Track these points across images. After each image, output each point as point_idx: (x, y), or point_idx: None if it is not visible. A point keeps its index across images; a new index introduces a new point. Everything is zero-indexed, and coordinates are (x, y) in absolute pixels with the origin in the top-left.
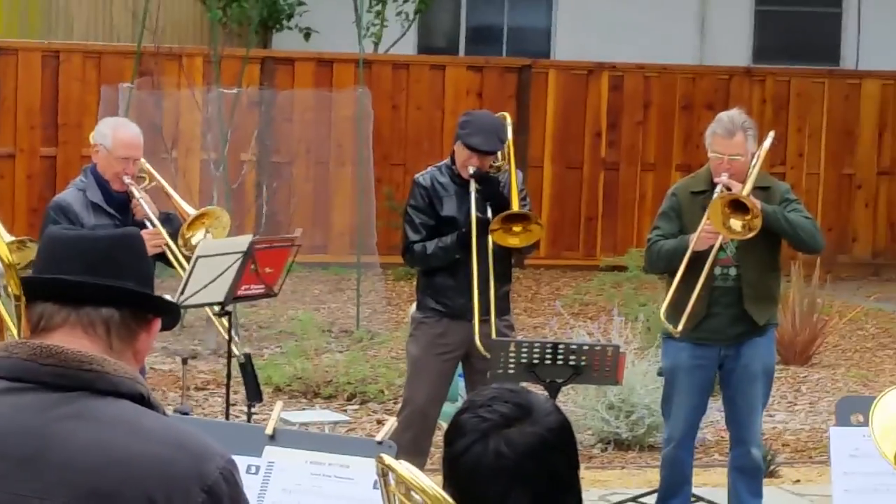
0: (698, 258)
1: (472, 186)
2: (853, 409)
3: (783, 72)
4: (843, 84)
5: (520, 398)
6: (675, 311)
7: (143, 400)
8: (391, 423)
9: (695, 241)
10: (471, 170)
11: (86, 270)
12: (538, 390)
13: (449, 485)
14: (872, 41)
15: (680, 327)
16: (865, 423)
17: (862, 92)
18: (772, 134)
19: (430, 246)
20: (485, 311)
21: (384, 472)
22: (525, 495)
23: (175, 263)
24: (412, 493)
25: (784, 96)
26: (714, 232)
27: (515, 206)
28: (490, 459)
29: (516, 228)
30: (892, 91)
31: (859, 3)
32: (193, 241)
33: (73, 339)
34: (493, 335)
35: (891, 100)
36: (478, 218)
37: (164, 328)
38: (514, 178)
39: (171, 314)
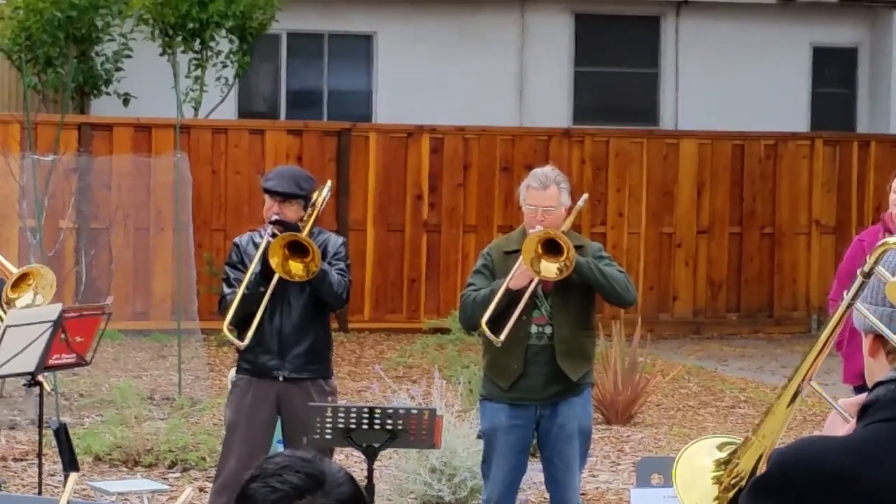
0: (511, 305)
1: (268, 231)
2: (653, 470)
3: (602, 132)
4: (662, 144)
5: (312, 468)
6: (494, 368)
7: None
8: (188, 493)
9: (512, 279)
10: (273, 217)
11: None
12: (356, 456)
13: None
14: (690, 101)
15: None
16: (664, 484)
17: (680, 152)
18: (585, 195)
19: (230, 295)
20: (294, 369)
21: None
22: None
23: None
24: None
25: (603, 156)
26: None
27: (304, 234)
28: None
29: (295, 266)
30: (710, 150)
31: (677, 64)
32: (19, 303)
33: None
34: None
35: (708, 159)
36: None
37: None
38: (310, 224)
39: None
